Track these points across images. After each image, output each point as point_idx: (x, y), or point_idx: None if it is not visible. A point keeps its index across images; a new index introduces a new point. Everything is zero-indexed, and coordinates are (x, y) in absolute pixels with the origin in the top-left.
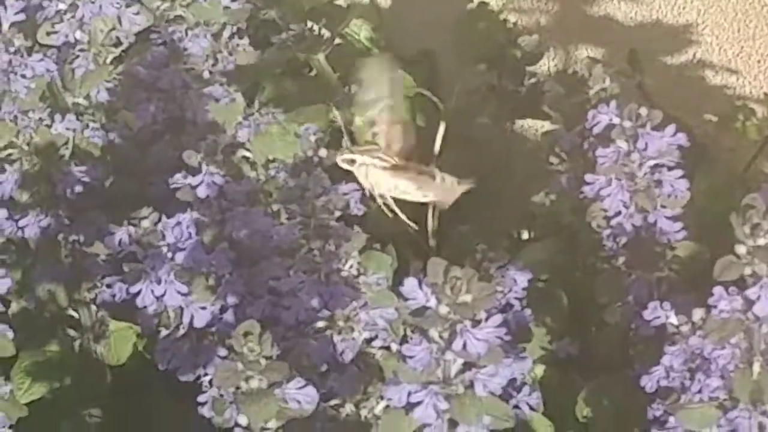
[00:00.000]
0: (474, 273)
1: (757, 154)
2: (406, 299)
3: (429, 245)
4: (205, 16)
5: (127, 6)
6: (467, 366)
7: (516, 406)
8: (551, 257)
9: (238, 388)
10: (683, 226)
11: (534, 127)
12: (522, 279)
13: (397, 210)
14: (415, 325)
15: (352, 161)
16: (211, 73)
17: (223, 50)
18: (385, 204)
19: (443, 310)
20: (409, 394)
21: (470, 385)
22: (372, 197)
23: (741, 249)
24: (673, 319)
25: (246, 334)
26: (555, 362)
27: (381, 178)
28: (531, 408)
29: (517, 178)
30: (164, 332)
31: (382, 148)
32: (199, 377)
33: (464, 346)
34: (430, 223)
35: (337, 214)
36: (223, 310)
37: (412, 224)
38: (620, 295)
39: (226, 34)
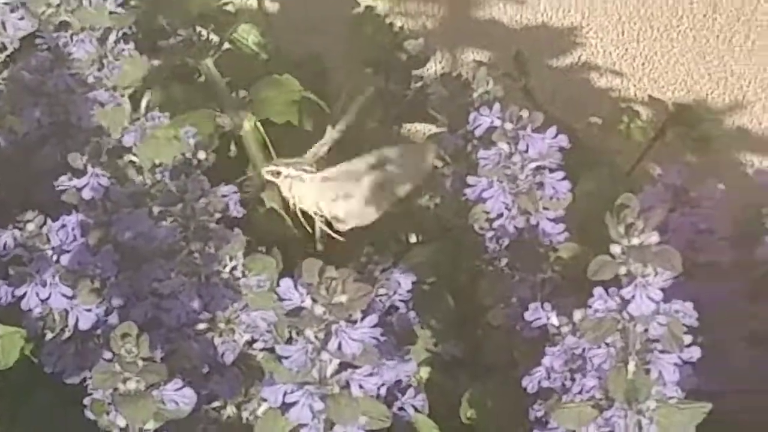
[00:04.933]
0: (350, 273)
1: (642, 156)
2: (282, 300)
3: (316, 248)
4: (90, 22)
5: (12, 11)
6: (343, 366)
7: (401, 408)
8: (436, 259)
9: (116, 389)
10: (565, 227)
11: (421, 130)
12: (406, 281)
13: (317, 228)
14: (293, 326)
15: (278, 173)
16: (96, 78)
17: (109, 55)
18: (303, 217)
19: (318, 310)
20: (285, 394)
21: (346, 386)
22: (294, 211)
23: (616, 249)
24: (554, 320)
25: (124, 336)
26: (440, 364)
27: (305, 193)
28: (416, 410)
29: None
30: (50, 335)
31: (308, 160)
32: (85, 380)
33: (339, 346)
34: (318, 227)
35: (217, 216)
36: (108, 312)
37: (338, 237)
38: (504, 297)
39: (111, 38)
